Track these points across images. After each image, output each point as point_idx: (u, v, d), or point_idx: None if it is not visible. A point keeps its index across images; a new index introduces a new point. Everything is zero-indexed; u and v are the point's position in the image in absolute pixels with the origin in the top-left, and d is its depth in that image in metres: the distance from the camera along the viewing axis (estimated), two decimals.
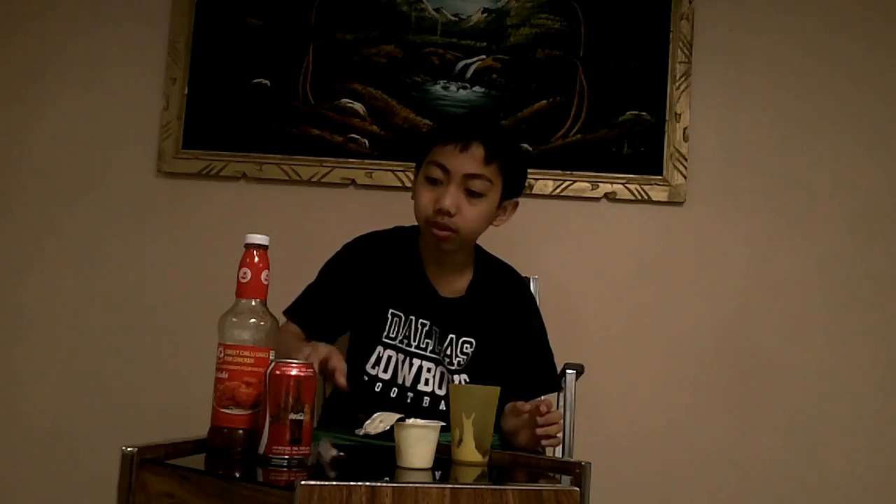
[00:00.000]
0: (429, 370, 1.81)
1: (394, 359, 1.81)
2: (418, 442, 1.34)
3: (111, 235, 2.56)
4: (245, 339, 1.39)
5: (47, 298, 2.55)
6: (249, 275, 1.41)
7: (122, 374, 2.51)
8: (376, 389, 1.81)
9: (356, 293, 1.85)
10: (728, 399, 2.48)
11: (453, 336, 1.83)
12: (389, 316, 1.83)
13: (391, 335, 1.82)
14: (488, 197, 1.77)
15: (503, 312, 1.88)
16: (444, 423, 1.39)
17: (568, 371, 1.96)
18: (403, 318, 1.83)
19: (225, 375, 1.37)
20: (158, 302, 2.54)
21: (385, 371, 1.81)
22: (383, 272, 1.86)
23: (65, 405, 2.51)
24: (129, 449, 1.25)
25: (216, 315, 2.55)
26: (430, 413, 1.78)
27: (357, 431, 1.62)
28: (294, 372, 1.31)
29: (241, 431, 1.35)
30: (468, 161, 1.73)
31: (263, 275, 1.41)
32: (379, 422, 1.57)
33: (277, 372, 1.31)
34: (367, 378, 1.82)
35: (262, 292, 1.42)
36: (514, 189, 1.83)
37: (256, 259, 1.42)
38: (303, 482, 1.07)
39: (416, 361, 1.81)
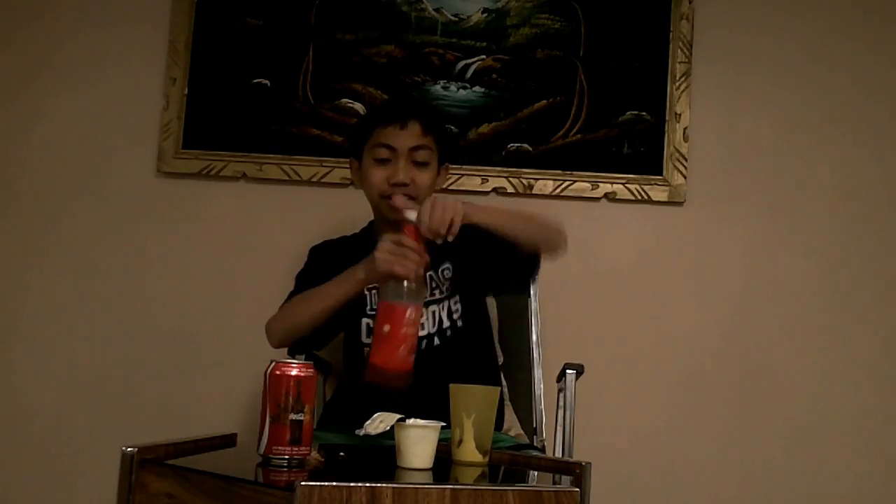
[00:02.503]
0: None
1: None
2: (418, 442, 1.34)
3: (111, 235, 2.56)
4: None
5: (47, 298, 2.55)
6: None
7: (122, 374, 2.51)
8: None
9: None
10: (728, 399, 2.48)
11: (432, 273, 1.89)
12: (366, 292, 1.88)
13: (374, 307, 1.87)
14: (432, 164, 1.93)
15: (464, 236, 1.85)
16: (444, 424, 1.40)
17: (568, 371, 1.95)
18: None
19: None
20: (158, 302, 2.53)
21: None
22: (349, 261, 1.89)
23: (65, 405, 2.51)
24: (129, 449, 1.25)
25: (216, 314, 2.56)
26: (427, 353, 1.83)
27: (357, 431, 1.63)
28: (294, 372, 1.31)
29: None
30: (410, 136, 1.90)
31: None
32: (379, 422, 1.57)
33: (277, 372, 1.31)
34: (367, 349, 1.83)
35: None
36: (445, 154, 1.99)
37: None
38: (303, 482, 1.07)
39: None
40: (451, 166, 2.08)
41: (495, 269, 1.94)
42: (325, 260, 1.97)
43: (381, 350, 1.60)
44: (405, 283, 1.63)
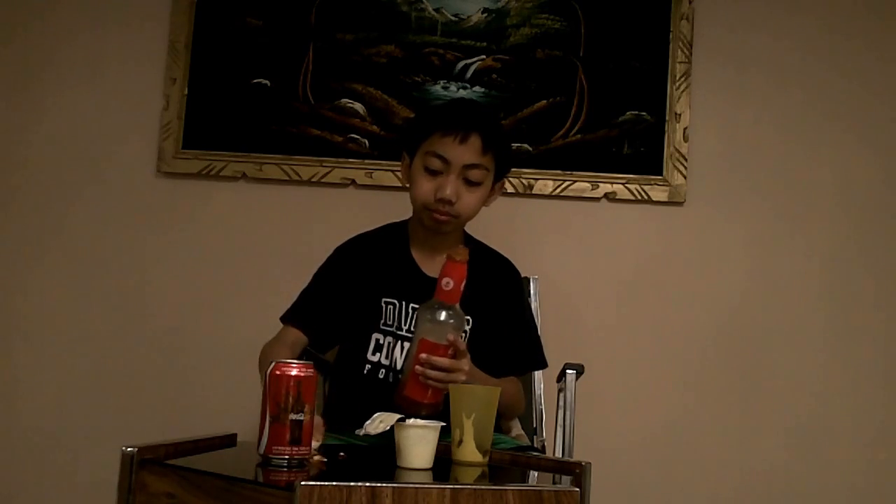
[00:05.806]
0: None
1: (385, 343, 1.85)
2: (418, 442, 1.34)
3: (111, 236, 2.56)
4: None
5: (47, 298, 2.55)
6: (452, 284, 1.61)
7: (122, 375, 2.51)
8: (380, 377, 1.84)
9: (352, 292, 1.88)
10: (728, 399, 2.48)
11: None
12: (383, 304, 1.86)
13: (388, 322, 1.86)
14: (484, 184, 1.85)
15: (495, 292, 1.90)
16: (444, 424, 1.40)
17: (568, 371, 1.95)
18: (397, 305, 1.86)
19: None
20: (158, 302, 2.53)
21: (386, 357, 1.85)
22: (374, 266, 1.90)
23: (65, 405, 2.51)
24: (129, 449, 1.25)
25: (216, 314, 2.56)
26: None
27: (357, 431, 1.63)
28: (294, 372, 1.31)
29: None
30: (468, 152, 1.81)
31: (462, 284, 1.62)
32: (379, 422, 1.57)
33: (277, 372, 1.31)
34: (369, 366, 1.85)
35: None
36: (502, 172, 1.92)
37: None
38: (303, 482, 1.07)
39: (407, 344, 1.83)
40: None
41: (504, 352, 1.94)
42: (352, 261, 1.92)
43: (419, 385, 1.60)
44: (448, 320, 1.61)
